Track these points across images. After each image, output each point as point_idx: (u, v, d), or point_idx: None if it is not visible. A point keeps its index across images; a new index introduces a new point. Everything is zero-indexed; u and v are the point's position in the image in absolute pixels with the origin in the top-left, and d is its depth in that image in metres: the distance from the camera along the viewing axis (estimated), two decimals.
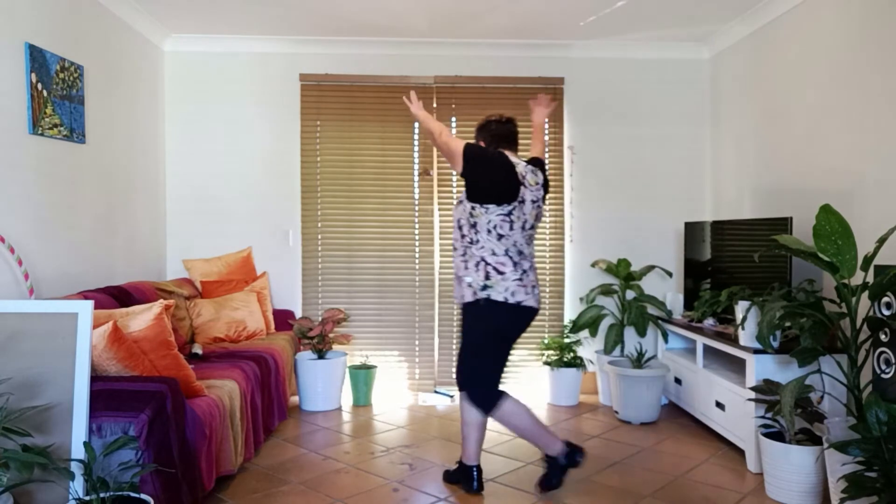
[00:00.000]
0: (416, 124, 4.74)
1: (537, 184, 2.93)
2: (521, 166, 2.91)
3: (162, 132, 4.65)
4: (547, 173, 3.01)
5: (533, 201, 2.90)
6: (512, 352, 3.01)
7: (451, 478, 3.07)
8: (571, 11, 4.10)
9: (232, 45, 4.67)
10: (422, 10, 4.08)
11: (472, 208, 2.86)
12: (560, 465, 2.89)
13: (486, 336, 2.88)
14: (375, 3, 3.97)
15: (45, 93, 3.16)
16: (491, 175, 2.83)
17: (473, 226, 2.87)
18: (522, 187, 2.86)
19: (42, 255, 3.17)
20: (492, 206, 2.82)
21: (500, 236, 2.84)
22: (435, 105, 4.75)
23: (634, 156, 4.84)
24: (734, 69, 4.45)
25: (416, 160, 4.77)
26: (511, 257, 2.84)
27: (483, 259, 2.84)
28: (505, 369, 2.95)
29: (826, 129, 3.45)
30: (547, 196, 2.95)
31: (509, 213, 2.83)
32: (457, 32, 4.52)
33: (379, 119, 4.75)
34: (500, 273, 2.83)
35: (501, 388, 2.93)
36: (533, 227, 2.94)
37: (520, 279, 2.84)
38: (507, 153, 2.95)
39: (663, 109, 4.84)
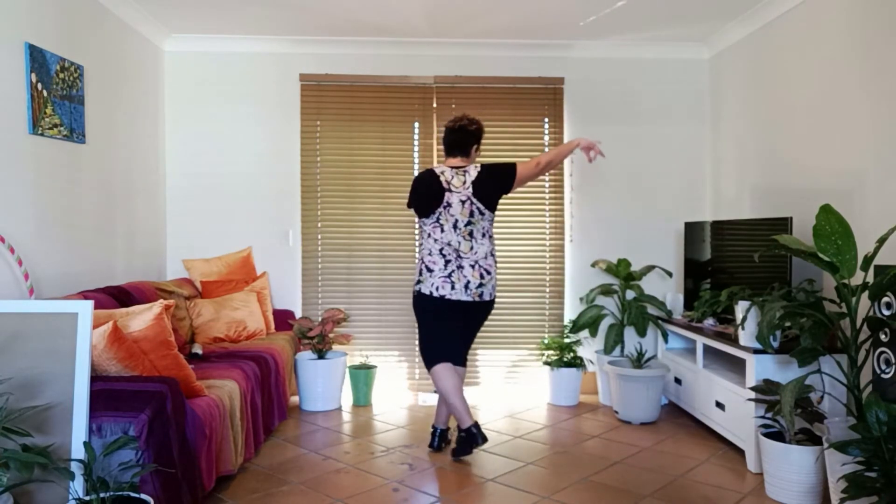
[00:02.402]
0: (416, 125, 4.75)
1: (463, 184, 3.37)
2: (447, 174, 3.39)
3: (162, 132, 4.65)
4: (493, 174, 3.41)
5: (462, 201, 3.35)
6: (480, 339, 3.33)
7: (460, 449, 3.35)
8: (571, 11, 4.10)
9: (232, 45, 4.67)
10: (422, 10, 4.08)
11: (421, 222, 3.47)
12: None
13: (423, 319, 3.46)
14: (375, 3, 3.97)
15: (45, 93, 3.16)
16: (419, 197, 3.40)
17: (422, 233, 3.47)
18: (448, 192, 3.35)
19: (42, 255, 3.17)
20: (425, 220, 3.41)
21: (435, 240, 3.38)
22: (435, 105, 4.75)
23: (634, 156, 4.84)
24: (734, 69, 4.45)
25: (416, 160, 4.77)
26: (444, 256, 3.35)
27: (422, 259, 3.43)
28: (448, 343, 3.43)
29: (826, 129, 3.45)
30: (496, 191, 3.41)
31: (437, 219, 3.36)
32: (457, 32, 4.52)
33: (379, 119, 4.75)
34: (430, 271, 3.37)
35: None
36: (471, 223, 3.36)
37: (447, 276, 3.33)
38: (439, 167, 3.43)
39: (663, 109, 4.84)
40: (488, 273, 3.38)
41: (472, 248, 3.35)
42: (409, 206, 3.46)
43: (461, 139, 3.43)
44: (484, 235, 3.39)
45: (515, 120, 4.78)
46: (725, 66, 4.58)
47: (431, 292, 3.35)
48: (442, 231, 3.35)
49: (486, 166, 3.42)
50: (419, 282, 3.40)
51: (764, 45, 4.07)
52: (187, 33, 4.59)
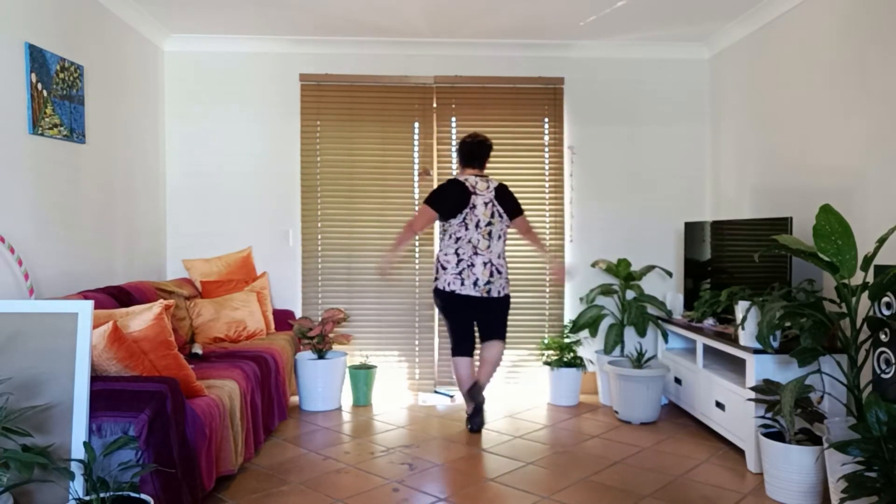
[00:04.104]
0: (416, 125, 4.75)
1: (487, 188, 3.86)
2: (470, 179, 3.86)
3: (162, 132, 4.65)
4: (509, 196, 3.94)
5: (485, 203, 3.83)
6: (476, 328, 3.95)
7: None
8: (571, 11, 4.10)
9: (232, 45, 4.67)
10: (422, 10, 4.08)
11: (445, 224, 3.89)
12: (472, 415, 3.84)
13: (442, 311, 3.96)
14: (375, 3, 3.97)
15: (45, 93, 3.16)
16: (447, 200, 3.83)
17: (443, 234, 3.91)
18: (473, 195, 3.83)
19: (42, 255, 3.17)
20: (451, 220, 3.84)
21: (458, 238, 3.82)
22: (435, 105, 4.75)
23: (634, 156, 4.84)
24: (734, 69, 4.45)
25: (416, 160, 4.77)
26: (458, 255, 3.80)
27: (438, 258, 3.90)
28: (467, 333, 3.92)
29: (826, 128, 3.45)
30: (513, 208, 3.93)
31: (463, 219, 3.82)
32: (457, 32, 4.52)
33: (379, 119, 4.75)
34: (444, 269, 3.84)
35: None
36: (491, 224, 3.83)
37: (458, 273, 3.79)
38: (462, 174, 3.93)
39: (663, 109, 4.84)
40: (499, 272, 3.84)
41: (488, 247, 3.82)
42: (429, 203, 3.85)
43: (481, 151, 3.93)
44: (499, 238, 3.86)
45: (515, 120, 4.78)
46: (725, 66, 4.58)
47: (444, 287, 3.82)
48: (466, 229, 3.81)
49: (506, 187, 3.94)
50: (436, 278, 3.87)
51: (764, 45, 4.07)
52: (187, 33, 4.59)
